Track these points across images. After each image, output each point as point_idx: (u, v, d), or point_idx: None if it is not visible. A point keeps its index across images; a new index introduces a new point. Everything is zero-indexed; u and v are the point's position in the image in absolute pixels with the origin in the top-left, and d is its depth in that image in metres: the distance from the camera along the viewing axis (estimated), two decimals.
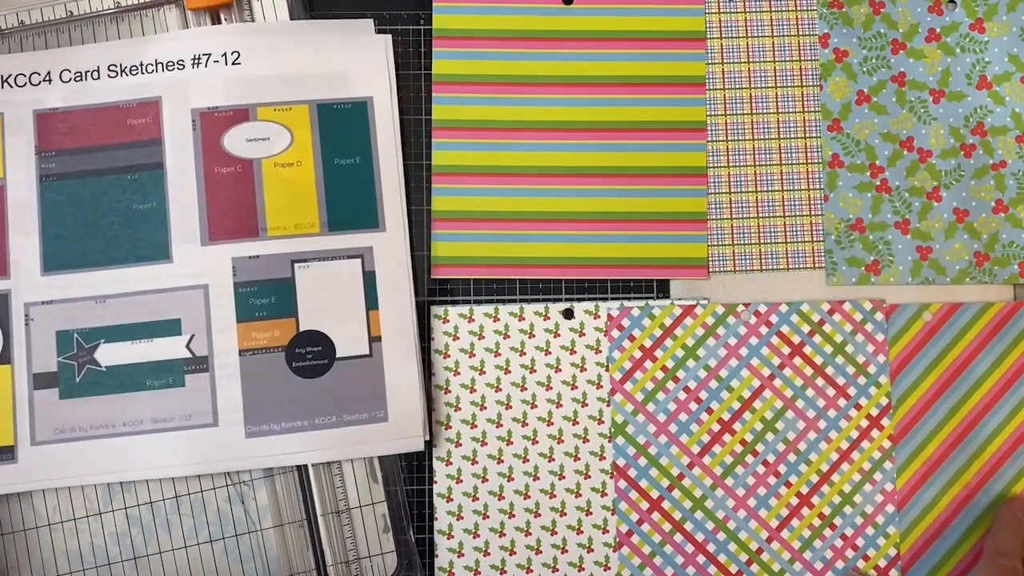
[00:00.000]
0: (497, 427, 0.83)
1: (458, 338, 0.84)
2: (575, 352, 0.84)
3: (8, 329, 0.81)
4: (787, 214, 0.85)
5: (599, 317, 0.84)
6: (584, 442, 0.83)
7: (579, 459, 0.83)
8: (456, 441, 0.83)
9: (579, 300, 0.85)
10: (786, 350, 0.83)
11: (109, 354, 0.81)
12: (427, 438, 0.81)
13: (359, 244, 0.82)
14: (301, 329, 0.81)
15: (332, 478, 0.82)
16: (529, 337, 0.84)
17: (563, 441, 0.83)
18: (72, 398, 0.80)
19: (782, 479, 0.83)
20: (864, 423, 0.83)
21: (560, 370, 0.84)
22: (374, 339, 0.82)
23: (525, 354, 0.84)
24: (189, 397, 0.80)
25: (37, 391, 0.80)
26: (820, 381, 0.83)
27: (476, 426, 0.83)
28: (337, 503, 0.82)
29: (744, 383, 0.83)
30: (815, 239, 0.85)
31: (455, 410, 0.83)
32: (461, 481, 0.83)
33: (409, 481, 0.83)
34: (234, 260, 0.82)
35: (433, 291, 0.85)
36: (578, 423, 0.83)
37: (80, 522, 0.81)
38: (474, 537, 0.83)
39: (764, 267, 0.85)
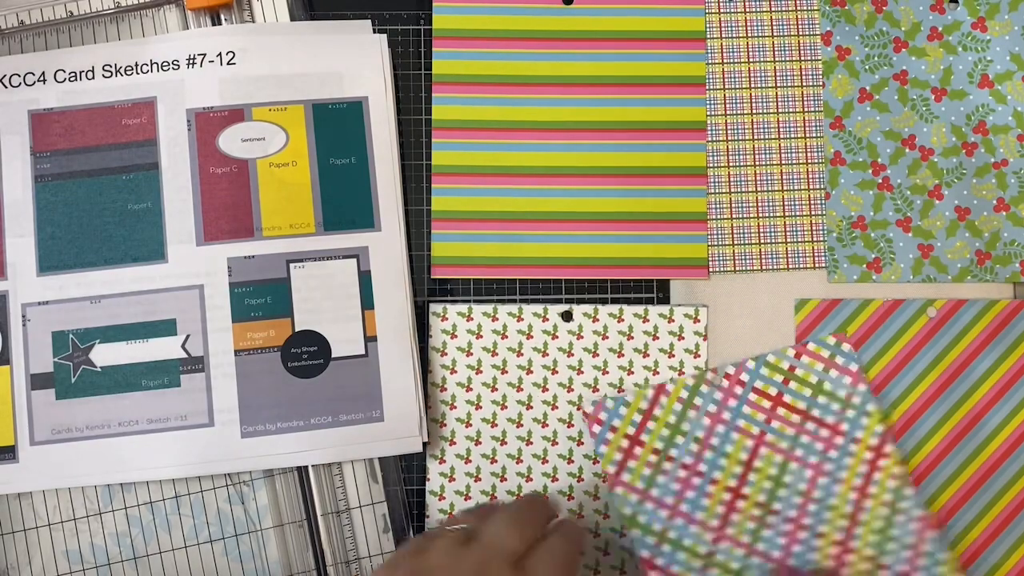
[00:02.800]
0: (492, 426, 0.76)
1: (456, 336, 0.76)
2: (572, 355, 0.76)
3: (7, 330, 0.74)
4: (787, 214, 0.78)
5: (598, 320, 0.76)
6: (578, 445, 0.75)
7: (573, 462, 0.75)
8: (450, 439, 0.76)
9: (579, 302, 0.77)
10: (767, 404, 0.75)
11: (104, 354, 0.74)
12: (425, 439, 0.74)
13: (355, 244, 0.75)
14: (297, 329, 0.74)
15: (332, 478, 0.75)
16: (527, 338, 0.76)
17: (557, 443, 0.75)
18: (68, 398, 0.73)
19: (812, 531, 0.74)
20: (868, 455, 0.74)
21: (557, 372, 0.76)
22: (370, 339, 0.75)
23: (522, 355, 0.76)
24: (185, 397, 0.74)
25: (35, 391, 0.74)
26: (810, 425, 0.75)
27: (471, 425, 0.76)
28: (337, 503, 0.75)
29: (737, 446, 0.75)
30: (815, 239, 0.77)
31: (450, 408, 0.76)
32: (454, 479, 0.75)
33: (408, 481, 0.76)
34: (229, 260, 0.75)
35: (433, 291, 0.77)
36: (573, 425, 0.75)
37: (80, 522, 0.74)
38: None
39: (764, 267, 0.77)
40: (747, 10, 0.79)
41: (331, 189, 0.75)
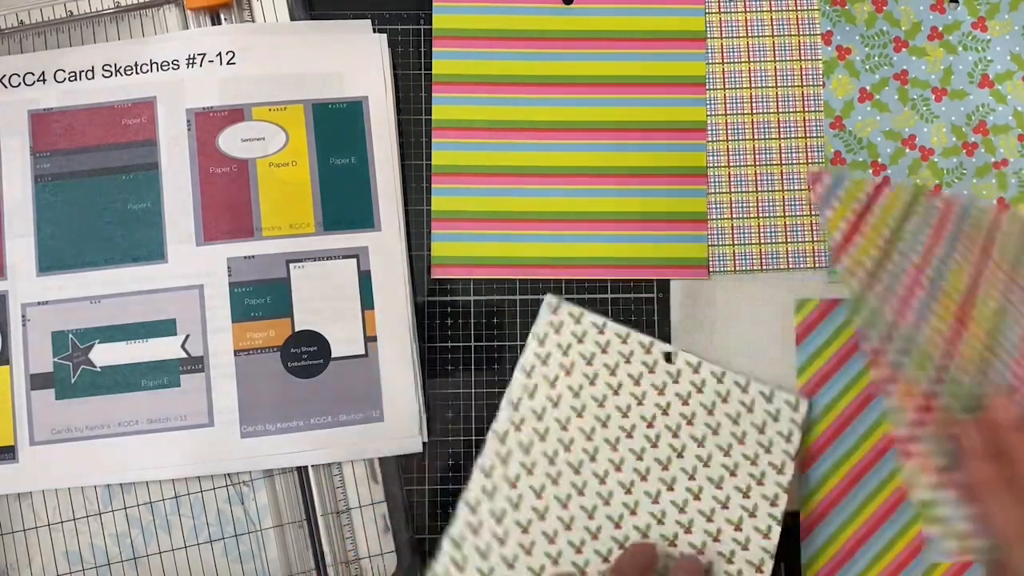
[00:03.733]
0: (563, 430, 0.73)
1: (560, 333, 0.74)
2: (663, 394, 0.74)
3: (7, 330, 0.74)
4: (788, 214, 0.77)
5: (698, 373, 0.74)
6: (642, 480, 0.72)
7: (631, 493, 0.72)
8: (518, 425, 0.73)
9: (579, 302, 0.76)
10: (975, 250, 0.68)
11: (104, 354, 0.74)
12: (425, 439, 0.74)
13: (354, 244, 0.75)
14: (296, 329, 0.74)
15: (332, 478, 0.75)
16: (625, 362, 0.74)
17: (621, 470, 0.73)
18: (68, 398, 0.73)
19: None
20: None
21: (643, 404, 0.73)
22: (370, 339, 0.74)
23: (615, 375, 0.74)
24: (184, 397, 0.73)
25: (34, 391, 0.73)
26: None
27: (542, 419, 0.73)
28: (337, 503, 0.75)
29: (958, 272, 0.65)
30: (816, 239, 0.77)
31: (529, 398, 0.73)
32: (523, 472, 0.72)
33: (410, 481, 0.75)
34: (229, 260, 0.74)
35: (433, 291, 0.77)
36: (642, 459, 0.73)
37: (80, 522, 0.74)
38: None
39: (764, 267, 0.77)
40: (747, 10, 0.78)
41: (331, 189, 0.75)
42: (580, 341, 0.74)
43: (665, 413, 0.73)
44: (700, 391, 0.73)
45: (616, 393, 0.73)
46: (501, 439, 0.72)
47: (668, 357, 0.74)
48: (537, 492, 0.72)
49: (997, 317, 0.65)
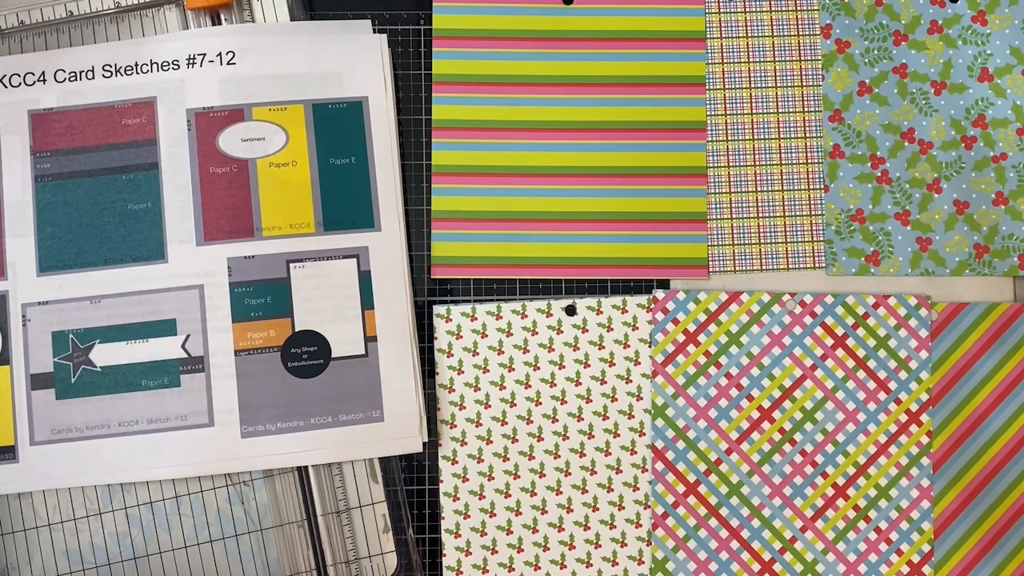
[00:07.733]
0: (502, 424, 0.75)
1: (461, 337, 0.75)
2: (578, 348, 0.75)
3: (7, 330, 0.73)
4: (787, 214, 0.77)
5: (601, 313, 0.75)
6: (589, 438, 0.75)
7: (584, 455, 0.75)
8: (461, 440, 0.75)
9: (580, 298, 0.76)
10: (829, 341, 0.76)
11: (104, 354, 0.73)
12: (425, 439, 0.74)
13: (355, 244, 0.74)
14: (297, 329, 0.73)
15: (332, 478, 0.74)
16: (532, 334, 0.75)
17: (568, 437, 0.75)
18: (68, 398, 0.73)
19: (819, 469, 0.75)
20: (903, 418, 0.75)
21: (564, 367, 0.75)
22: (370, 339, 0.74)
23: (528, 351, 0.75)
24: (185, 397, 0.73)
25: (35, 391, 0.73)
26: (861, 374, 0.76)
27: (481, 424, 0.75)
28: (337, 503, 0.74)
29: (786, 372, 0.76)
30: (815, 239, 0.77)
31: (459, 408, 0.75)
32: (467, 480, 0.75)
33: (411, 481, 0.75)
34: (229, 260, 0.74)
35: (433, 291, 0.77)
36: (583, 419, 0.75)
37: (80, 522, 0.73)
38: (481, 535, 0.75)
39: (764, 267, 0.77)
40: (747, 10, 0.78)
41: (331, 189, 0.74)
42: (483, 335, 0.75)
43: (587, 365, 0.75)
44: (610, 329, 0.75)
45: (536, 368, 0.75)
46: (451, 459, 0.75)
47: (569, 310, 0.75)
48: (504, 491, 0.74)
49: (809, 412, 0.76)
